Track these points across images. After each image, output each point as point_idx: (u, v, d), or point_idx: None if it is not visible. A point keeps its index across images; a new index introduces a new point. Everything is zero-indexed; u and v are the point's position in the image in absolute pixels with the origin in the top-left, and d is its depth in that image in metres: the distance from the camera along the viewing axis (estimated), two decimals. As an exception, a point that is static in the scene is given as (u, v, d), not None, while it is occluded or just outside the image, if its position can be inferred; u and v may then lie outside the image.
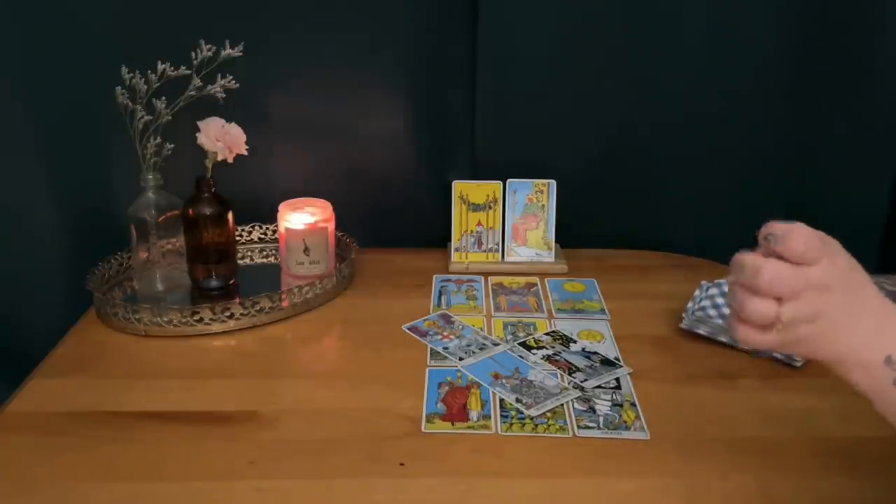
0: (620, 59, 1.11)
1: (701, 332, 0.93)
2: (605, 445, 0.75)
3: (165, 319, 0.94)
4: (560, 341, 0.94)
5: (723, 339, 0.92)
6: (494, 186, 1.13)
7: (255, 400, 0.82)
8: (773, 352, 0.89)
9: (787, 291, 0.55)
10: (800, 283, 0.55)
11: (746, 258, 0.56)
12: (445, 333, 0.96)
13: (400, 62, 1.12)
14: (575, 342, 0.94)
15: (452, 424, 0.78)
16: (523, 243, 1.14)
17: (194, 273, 1.04)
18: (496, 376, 0.86)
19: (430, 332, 0.96)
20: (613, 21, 1.09)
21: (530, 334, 0.96)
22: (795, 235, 0.56)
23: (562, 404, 0.81)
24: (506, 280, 1.12)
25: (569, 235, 1.17)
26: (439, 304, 1.04)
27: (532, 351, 0.92)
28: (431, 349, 0.92)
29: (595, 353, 0.91)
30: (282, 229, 1.07)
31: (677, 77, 1.12)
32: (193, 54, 0.96)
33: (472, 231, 1.14)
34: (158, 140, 0.98)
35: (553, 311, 1.02)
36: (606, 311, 1.02)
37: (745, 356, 0.91)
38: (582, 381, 0.85)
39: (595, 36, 1.10)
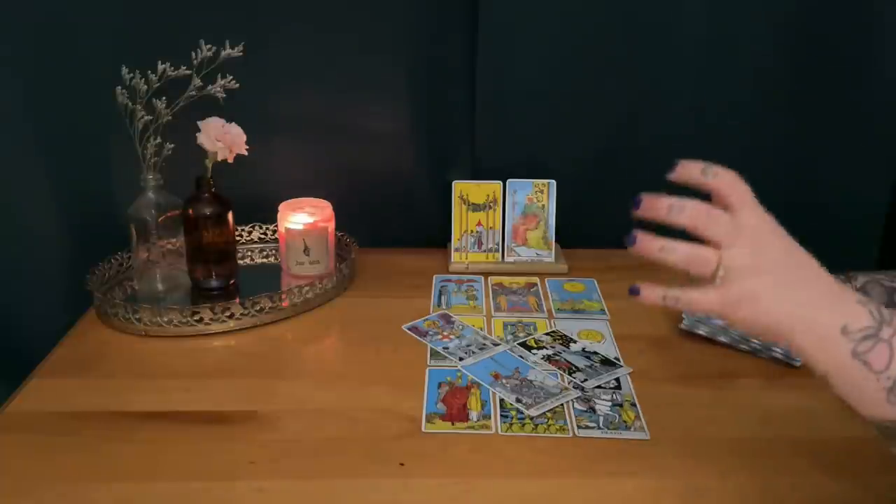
0: (621, 58, 1.11)
1: (701, 332, 0.93)
2: (605, 445, 0.75)
3: (165, 319, 0.94)
4: (560, 341, 0.94)
5: (723, 339, 0.92)
6: (494, 186, 1.13)
7: (255, 400, 0.82)
8: (771, 348, 0.89)
9: (719, 230, 0.53)
10: (731, 225, 0.54)
11: (663, 198, 0.54)
12: (445, 333, 0.96)
13: (400, 62, 1.12)
14: (575, 342, 0.94)
15: (452, 424, 0.78)
16: (523, 243, 1.14)
17: (194, 273, 1.04)
18: (496, 376, 0.86)
19: (430, 332, 0.96)
20: (614, 21, 1.09)
21: (530, 334, 0.96)
22: (730, 173, 0.56)
23: (562, 404, 0.81)
24: (506, 280, 1.12)
25: (569, 235, 1.17)
26: (439, 304, 1.04)
27: (532, 351, 0.92)
28: (431, 349, 0.92)
29: (595, 353, 0.91)
30: (282, 229, 1.08)
31: (677, 77, 1.12)
32: (193, 54, 0.96)
33: (472, 231, 1.14)
34: (158, 140, 0.98)
35: (553, 311, 1.02)
36: (606, 311, 1.02)
37: (746, 356, 0.91)
38: (582, 381, 0.85)
39: (595, 36, 1.10)
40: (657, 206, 0.55)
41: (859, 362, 0.52)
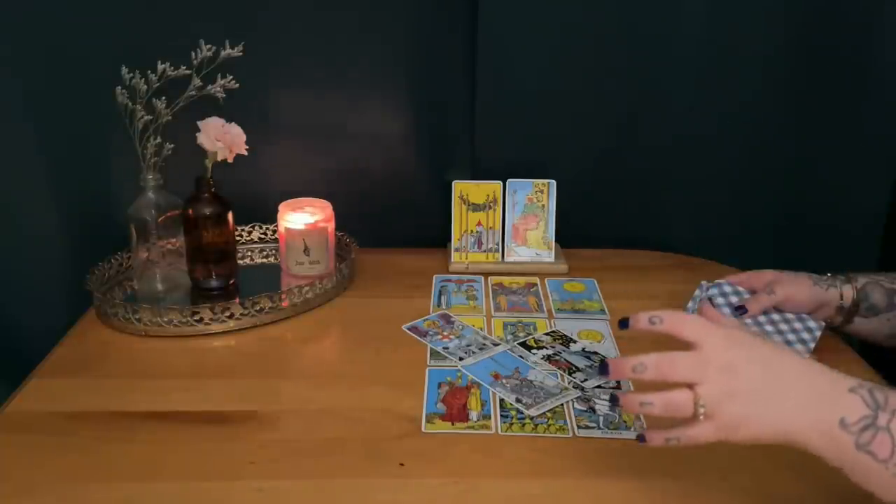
0: (621, 58, 1.11)
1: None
2: (605, 445, 0.75)
3: (165, 319, 0.94)
4: (560, 341, 0.94)
5: (723, 339, 0.92)
6: (494, 186, 1.13)
7: (255, 400, 0.82)
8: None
9: (685, 372, 0.57)
10: (693, 364, 0.57)
11: (627, 360, 0.59)
12: (445, 333, 0.96)
13: (400, 62, 1.12)
14: (575, 342, 0.94)
15: (452, 424, 0.78)
16: (523, 243, 1.14)
17: (194, 273, 1.04)
18: (496, 376, 0.86)
19: (430, 332, 0.96)
20: (614, 21, 1.09)
21: (530, 334, 0.96)
22: (674, 314, 0.59)
23: (562, 404, 0.81)
24: (506, 280, 1.12)
25: (569, 235, 1.17)
26: (439, 304, 1.04)
27: (532, 351, 0.92)
28: (431, 349, 0.92)
29: (595, 353, 0.91)
30: (282, 229, 1.07)
31: (677, 77, 1.12)
32: (193, 54, 0.96)
33: (472, 231, 1.14)
34: (158, 140, 0.98)
35: (553, 311, 1.02)
36: (606, 311, 1.02)
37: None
38: (582, 381, 0.85)
39: (595, 36, 1.10)
40: (622, 370, 0.60)
41: (864, 454, 0.53)
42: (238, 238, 1.17)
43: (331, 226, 1.09)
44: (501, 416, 0.79)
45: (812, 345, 0.88)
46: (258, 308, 0.97)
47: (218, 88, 0.98)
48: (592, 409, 0.80)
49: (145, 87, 0.95)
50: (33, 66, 1.01)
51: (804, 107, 1.14)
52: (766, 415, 0.56)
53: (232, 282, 1.06)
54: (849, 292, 0.89)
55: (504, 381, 0.85)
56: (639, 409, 0.59)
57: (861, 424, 0.53)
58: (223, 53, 0.97)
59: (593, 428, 0.77)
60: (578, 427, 0.77)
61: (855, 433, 0.53)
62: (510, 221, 1.14)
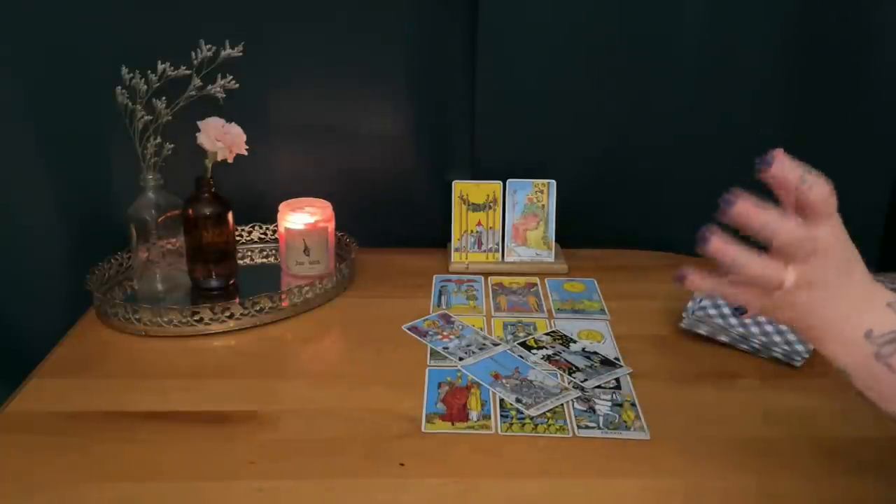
0: (621, 59, 1.11)
1: (701, 331, 0.93)
2: (605, 445, 0.75)
3: (165, 319, 0.94)
4: (560, 341, 0.94)
5: (723, 338, 0.92)
6: (494, 186, 1.13)
7: (255, 400, 0.82)
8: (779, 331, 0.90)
9: (800, 252, 0.54)
10: (810, 244, 0.53)
11: (762, 215, 0.53)
12: (445, 333, 0.96)
13: (400, 62, 1.12)
14: (575, 342, 0.94)
15: (452, 424, 0.78)
16: (523, 243, 1.14)
17: (194, 273, 1.04)
18: (496, 376, 0.86)
19: (430, 332, 0.96)
20: (614, 22, 1.09)
21: (530, 334, 0.96)
22: (825, 185, 0.54)
23: (562, 404, 0.81)
24: (506, 280, 1.11)
25: (569, 235, 1.17)
26: (439, 304, 1.04)
27: (532, 351, 0.92)
28: (431, 349, 0.92)
29: (595, 353, 0.91)
30: (282, 229, 1.08)
31: (677, 77, 1.12)
32: (193, 54, 0.96)
33: (472, 231, 1.14)
34: (158, 140, 0.98)
35: (553, 311, 1.02)
36: (606, 311, 1.02)
37: (746, 356, 0.91)
38: (582, 381, 0.85)
39: (595, 37, 1.10)
40: (751, 218, 0.54)
41: (882, 364, 0.53)
42: (238, 238, 1.17)
43: (331, 226, 1.09)
44: (501, 416, 0.79)
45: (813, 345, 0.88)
46: (258, 308, 0.97)
47: (218, 88, 0.98)
48: (592, 409, 0.80)
49: (145, 87, 0.95)
50: (33, 66, 1.01)
51: (804, 107, 1.14)
52: (817, 309, 0.55)
53: (232, 282, 1.06)
54: (849, 292, 0.89)
55: (504, 381, 0.85)
56: (728, 261, 0.55)
57: (886, 338, 0.53)
58: (223, 53, 0.97)
59: (593, 428, 0.77)
60: (578, 427, 0.77)
61: (878, 344, 0.53)
62: (510, 221, 1.14)
